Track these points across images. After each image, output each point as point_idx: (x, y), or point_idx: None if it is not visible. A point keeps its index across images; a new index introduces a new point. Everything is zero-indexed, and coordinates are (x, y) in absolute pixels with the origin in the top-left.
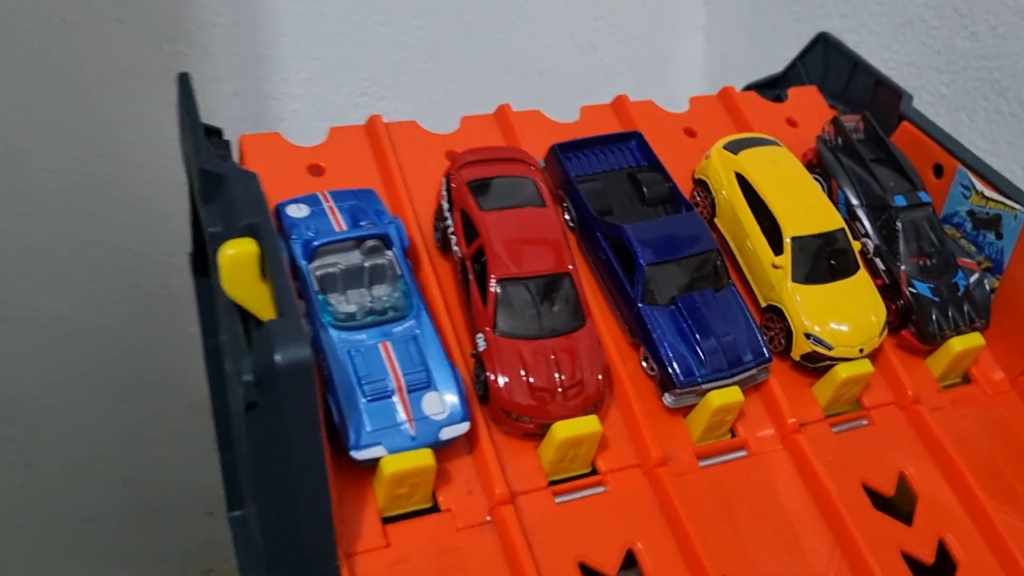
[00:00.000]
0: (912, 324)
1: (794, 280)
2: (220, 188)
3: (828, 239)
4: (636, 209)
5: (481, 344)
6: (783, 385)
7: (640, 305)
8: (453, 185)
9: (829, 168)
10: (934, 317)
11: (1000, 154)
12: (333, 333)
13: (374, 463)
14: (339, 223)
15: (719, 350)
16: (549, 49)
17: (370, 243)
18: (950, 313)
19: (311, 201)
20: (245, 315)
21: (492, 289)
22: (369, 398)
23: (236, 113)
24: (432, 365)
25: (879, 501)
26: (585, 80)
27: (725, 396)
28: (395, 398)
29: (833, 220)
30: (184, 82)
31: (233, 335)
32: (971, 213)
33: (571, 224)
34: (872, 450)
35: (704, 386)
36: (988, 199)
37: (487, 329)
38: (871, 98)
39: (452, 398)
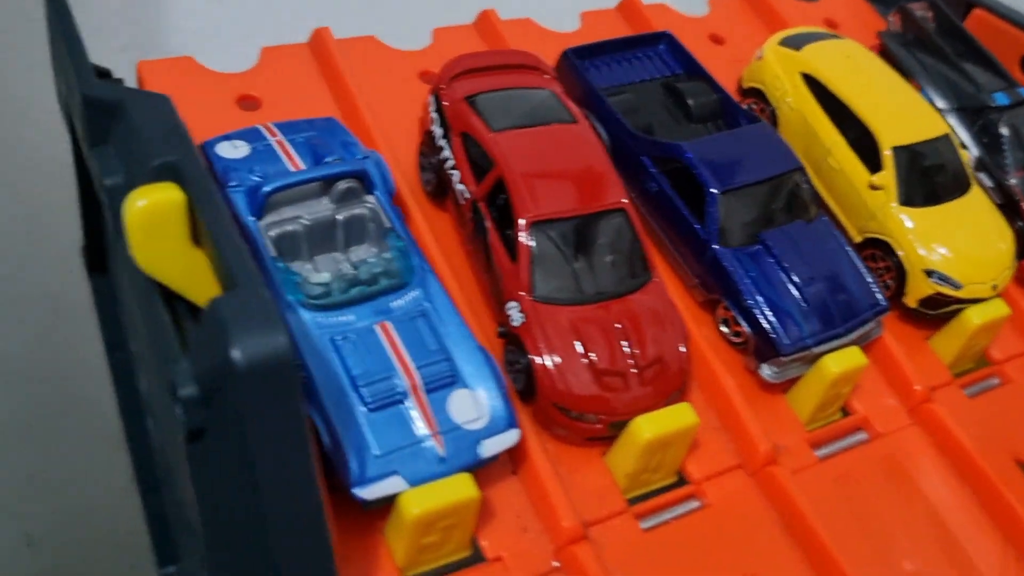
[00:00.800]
0: None
1: (901, 202)
2: (116, 123)
3: (935, 148)
4: (681, 127)
5: (516, 316)
6: (898, 342)
7: (716, 247)
8: (446, 103)
9: (905, 66)
10: None
11: None
12: (305, 316)
13: (388, 501)
14: (294, 161)
15: (828, 298)
16: None
17: (343, 185)
18: None
19: (250, 136)
20: (172, 301)
21: (524, 239)
22: (372, 406)
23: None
24: (455, 350)
25: None
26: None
27: (844, 360)
28: (409, 402)
29: (936, 124)
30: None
31: (156, 333)
32: None
33: None
34: (1016, 415)
35: (816, 349)
36: None
37: (521, 294)
38: None
39: (491, 396)
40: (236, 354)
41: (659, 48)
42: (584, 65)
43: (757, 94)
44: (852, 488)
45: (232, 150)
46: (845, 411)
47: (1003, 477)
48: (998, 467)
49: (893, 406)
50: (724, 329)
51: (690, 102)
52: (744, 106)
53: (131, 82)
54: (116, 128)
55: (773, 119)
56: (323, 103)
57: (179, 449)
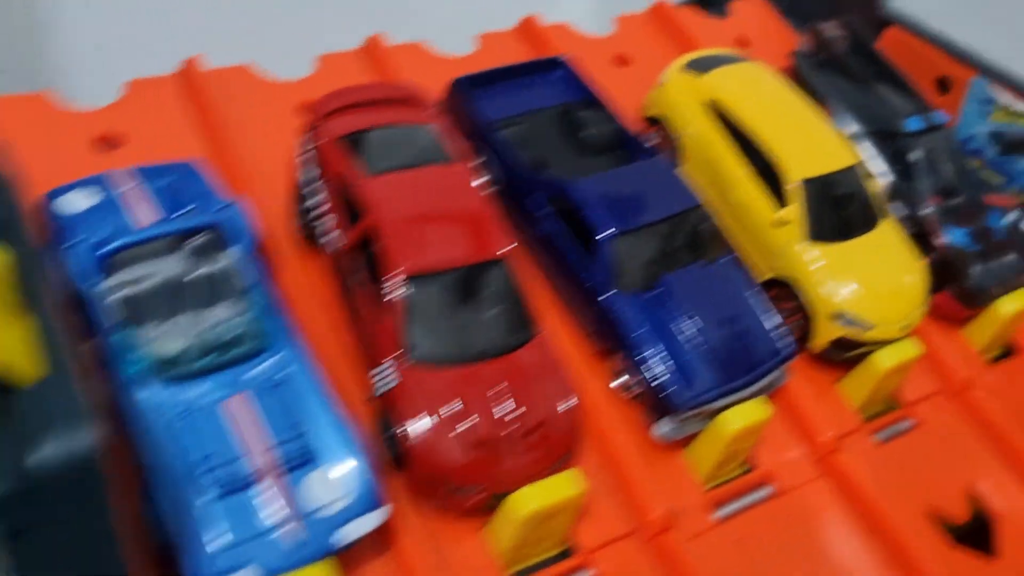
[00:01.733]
0: (950, 284)
1: (806, 240)
2: None
3: (843, 179)
4: (577, 160)
5: (387, 379)
6: (803, 386)
7: (607, 295)
8: (319, 143)
9: (816, 90)
10: (977, 272)
11: (1017, 56)
12: (149, 391)
13: None
14: (147, 213)
15: (728, 348)
16: None
17: (197, 240)
18: (992, 266)
19: (100, 184)
20: None
21: (395, 294)
22: (220, 492)
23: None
24: (315, 424)
25: (951, 531)
26: (465, 18)
27: (745, 415)
28: (262, 486)
29: (845, 155)
30: None
31: None
32: (994, 135)
33: (491, 186)
34: (929, 461)
35: (715, 404)
36: (1017, 115)
37: (392, 357)
38: (831, 6)
39: (354, 473)
40: (35, 458)
41: (555, 74)
42: (474, 95)
43: (659, 122)
44: (754, 550)
45: (77, 201)
46: (748, 466)
47: (912, 529)
48: (908, 519)
49: (799, 458)
50: (619, 382)
51: (585, 133)
52: (648, 135)
53: None
54: None
55: (676, 149)
56: (191, 141)
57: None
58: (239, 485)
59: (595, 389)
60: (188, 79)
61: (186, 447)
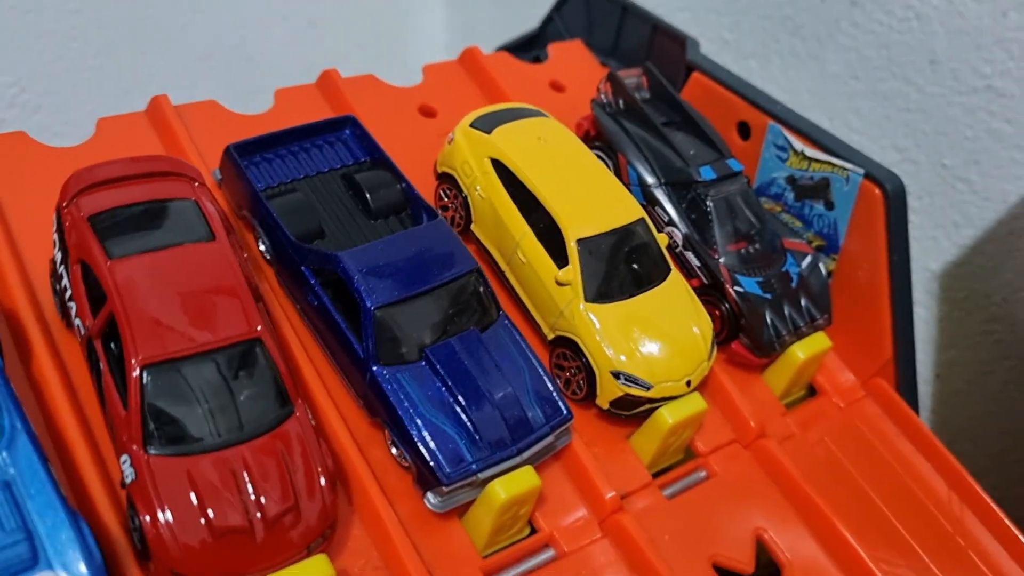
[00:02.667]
0: (743, 333)
1: (588, 299)
2: None
3: (625, 236)
4: (359, 225)
5: (128, 472)
6: (590, 445)
7: (375, 368)
8: (66, 223)
9: (613, 139)
10: (769, 320)
11: (802, 104)
12: None
13: None
14: None
15: (497, 417)
16: (255, 31)
17: None
18: (786, 312)
19: None
20: None
21: (135, 384)
22: None
23: None
24: (41, 524)
25: None
26: (305, 64)
27: (515, 484)
28: None
29: (628, 209)
30: None
31: None
32: (792, 180)
33: (266, 257)
34: (718, 512)
35: (482, 475)
36: (811, 160)
37: (134, 447)
38: (649, 49)
39: (79, 572)
40: None
41: (344, 134)
42: (249, 162)
43: (450, 179)
44: None
45: None
46: (533, 527)
47: None
48: (692, 572)
49: (583, 519)
50: (394, 451)
51: (368, 196)
52: (439, 193)
53: None
54: None
55: (466, 207)
56: None
57: None
58: None
59: (370, 459)
60: None
61: None
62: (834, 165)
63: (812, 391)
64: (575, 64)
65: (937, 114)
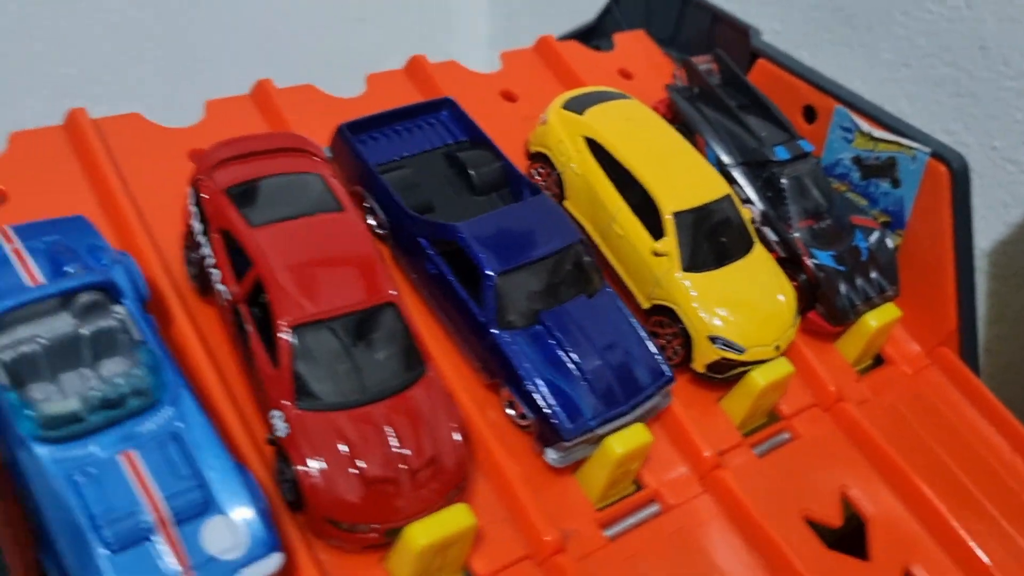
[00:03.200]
0: (819, 303)
1: (684, 268)
2: None
3: (715, 210)
4: (463, 200)
5: (279, 426)
6: (687, 408)
7: (495, 332)
8: (205, 195)
9: (691, 121)
10: (843, 291)
11: (854, 91)
12: (41, 451)
13: None
14: (31, 274)
15: (610, 376)
16: (308, 25)
17: (85, 297)
18: (858, 283)
19: None
20: None
21: (284, 344)
22: (115, 547)
23: None
24: (210, 473)
25: (826, 535)
26: (355, 58)
27: (630, 439)
28: (157, 538)
29: (717, 185)
30: None
31: None
32: (857, 160)
33: (378, 231)
34: (805, 471)
35: (599, 430)
36: (878, 140)
37: (284, 402)
38: (709, 39)
39: (249, 520)
40: None
41: (442, 115)
42: (360, 140)
43: (543, 158)
44: (644, 566)
45: None
46: (639, 484)
47: (791, 539)
48: (787, 527)
49: (684, 475)
50: (510, 412)
51: (472, 173)
52: (531, 171)
53: None
54: None
55: (559, 184)
56: (79, 193)
57: None
58: (136, 538)
59: (487, 420)
60: (74, 129)
61: (83, 503)
62: (901, 145)
63: (879, 360)
64: (640, 53)
65: (987, 98)
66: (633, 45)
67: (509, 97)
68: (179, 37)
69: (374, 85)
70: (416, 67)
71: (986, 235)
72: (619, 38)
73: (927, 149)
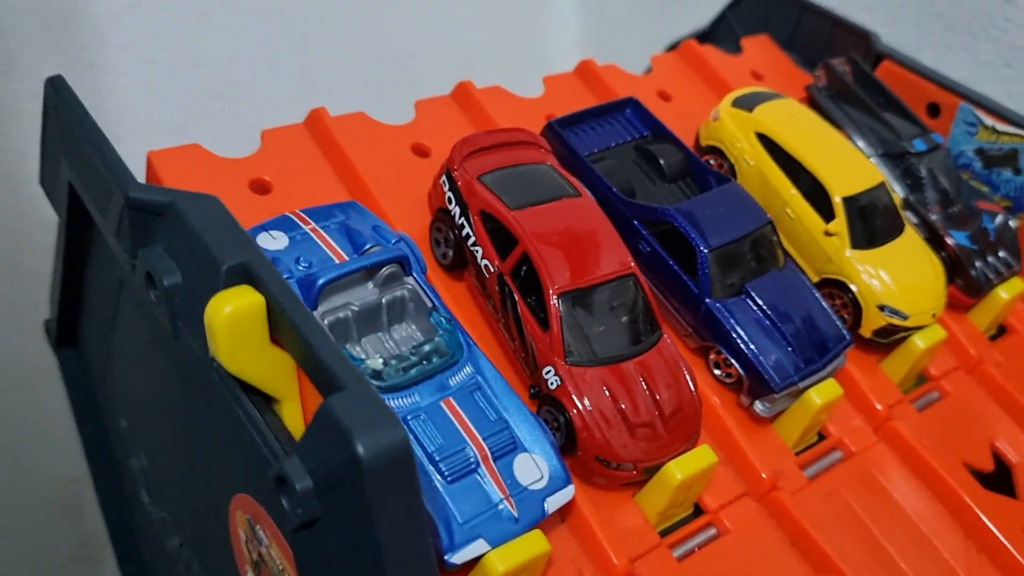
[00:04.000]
0: (959, 277)
1: (853, 246)
2: (163, 224)
3: (876, 196)
4: (657, 187)
5: (552, 380)
6: (857, 368)
7: (708, 300)
8: (460, 183)
9: (834, 118)
10: (978, 266)
11: (992, 86)
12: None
13: (471, 564)
14: (335, 250)
15: (806, 340)
16: (419, 28)
17: (386, 270)
18: (990, 260)
19: (285, 225)
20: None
21: (555, 308)
22: (450, 478)
23: None
24: (511, 418)
25: (981, 478)
26: (459, 59)
27: (825, 392)
28: (481, 471)
29: (873, 174)
30: (59, 88)
31: (240, 430)
32: (980, 151)
33: None
34: (957, 424)
35: (800, 384)
36: (1001, 133)
37: (556, 360)
38: (827, 44)
39: (547, 457)
40: (361, 450)
41: (626, 112)
42: (566, 134)
43: (716, 151)
44: (840, 502)
45: (271, 241)
46: (821, 435)
47: (958, 479)
48: (952, 471)
49: (860, 426)
50: (717, 372)
51: (662, 162)
52: (706, 161)
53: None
54: (164, 228)
55: (732, 174)
56: (330, 183)
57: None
58: (467, 471)
59: (699, 379)
60: (316, 127)
61: (419, 442)
62: (1023, 137)
63: (1001, 330)
64: (766, 56)
65: None
66: (759, 49)
67: (664, 96)
68: (310, 47)
69: (551, 86)
70: (585, 69)
71: None
72: (746, 42)
73: None
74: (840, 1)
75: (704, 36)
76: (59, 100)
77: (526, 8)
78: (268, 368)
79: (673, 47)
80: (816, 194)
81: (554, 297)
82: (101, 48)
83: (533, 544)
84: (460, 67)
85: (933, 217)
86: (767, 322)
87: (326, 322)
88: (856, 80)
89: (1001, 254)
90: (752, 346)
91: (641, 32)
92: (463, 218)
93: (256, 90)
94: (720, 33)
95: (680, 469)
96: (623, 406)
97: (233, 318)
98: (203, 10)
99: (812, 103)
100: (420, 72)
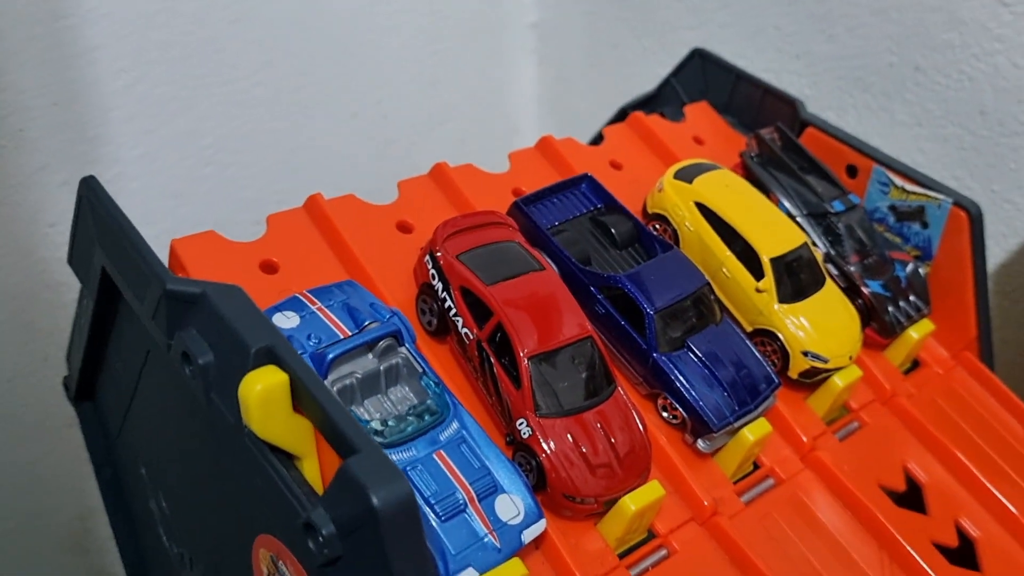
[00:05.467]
0: (873, 321)
1: (780, 301)
2: (196, 310)
3: (799, 255)
4: (610, 253)
5: (524, 430)
6: (785, 405)
7: (655, 355)
8: (443, 262)
9: (764, 183)
10: (890, 311)
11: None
12: None
13: None
14: (339, 327)
15: (740, 385)
16: (392, 90)
17: (383, 343)
18: (901, 305)
19: (295, 306)
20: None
21: (525, 369)
22: (443, 518)
23: (69, 205)
24: (492, 465)
25: (895, 497)
26: (428, 117)
27: (757, 430)
28: (469, 511)
29: (797, 235)
30: (93, 187)
31: (270, 484)
32: (892, 208)
33: None
34: (874, 450)
35: (736, 424)
36: (909, 192)
37: (528, 413)
38: (759, 109)
39: (523, 496)
40: (376, 502)
41: (582, 187)
42: (532, 211)
43: (661, 218)
44: (771, 523)
45: (286, 320)
46: (756, 465)
47: (872, 499)
48: (868, 492)
49: (789, 456)
50: (665, 415)
51: (614, 232)
52: (652, 227)
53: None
54: (196, 314)
55: (675, 238)
56: (327, 261)
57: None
58: (456, 511)
59: (647, 420)
60: (314, 210)
61: (420, 488)
62: (929, 196)
63: (916, 364)
64: (707, 121)
65: (987, 152)
66: (700, 115)
67: (616, 165)
68: (293, 112)
69: (516, 161)
70: (545, 144)
71: (990, 259)
72: (688, 109)
73: (950, 200)
74: (773, 64)
75: (651, 99)
76: (94, 198)
77: (490, 68)
78: (292, 433)
79: (623, 116)
80: (748, 256)
81: (525, 360)
82: (104, 122)
83: (513, 570)
84: (431, 122)
85: (851, 268)
86: (706, 371)
87: (335, 388)
88: (783, 147)
89: (912, 299)
90: (693, 393)
91: (595, 89)
92: (445, 292)
93: (244, 156)
94: (665, 97)
95: (634, 501)
96: (584, 450)
97: (264, 394)
98: (192, 84)
99: (745, 169)
100: (394, 130)
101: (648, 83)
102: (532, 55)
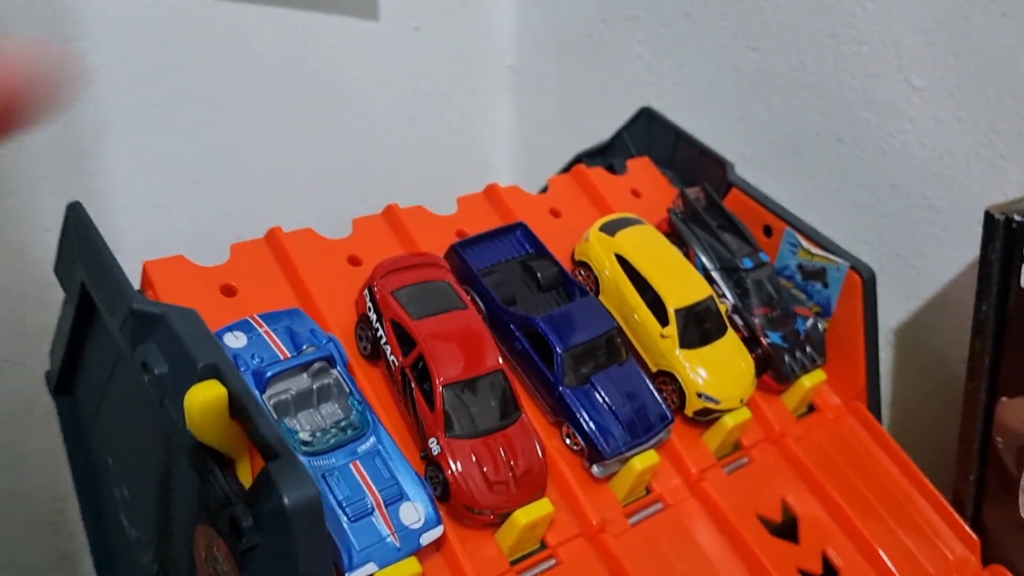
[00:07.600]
0: (771, 368)
1: (681, 347)
2: (156, 327)
3: (703, 306)
4: (534, 296)
5: (435, 447)
6: (680, 439)
7: (561, 388)
8: (378, 296)
9: (685, 238)
10: (787, 361)
11: (799, 207)
12: (303, 460)
13: None
14: (281, 349)
15: (634, 419)
16: (375, 123)
17: (317, 365)
18: (797, 355)
19: (245, 328)
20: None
21: (440, 395)
22: (352, 518)
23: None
24: (400, 476)
25: (771, 527)
26: (408, 149)
27: (645, 460)
28: (375, 515)
29: (704, 289)
30: (77, 212)
31: (207, 480)
32: (800, 267)
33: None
34: (757, 484)
35: (627, 454)
36: (813, 255)
37: (439, 433)
38: (696, 166)
39: (425, 505)
40: (287, 501)
41: (517, 233)
42: (467, 253)
43: (585, 265)
44: (654, 544)
45: (234, 340)
46: (648, 490)
47: (747, 528)
48: (744, 521)
49: (678, 485)
50: (567, 441)
51: (539, 276)
52: (576, 273)
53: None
54: (157, 330)
55: (596, 283)
56: (282, 288)
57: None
58: (364, 514)
59: (552, 445)
60: (273, 242)
61: (335, 492)
62: (829, 259)
63: (811, 408)
64: (646, 175)
65: (896, 221)
66: (641, 170)
67: (555, 213)
68: (280, 138)
69: (463, 205)
70: (492, 192)
71: (892, 317)
72: (631, 163)
73: (846, 264)
74: (716, 123)
75: (604, 149)
76: (79, 221)
77: (467, 104)
78: (228, 439)
79: (577, 162)
80: (656, 304)
81: (440, 386)
82: (99, 138)
83: (409, 567)
84: (412, 156)
85: (756, 320)
86: (605, 406)
87: (272, 402)
88: (706, 206)
89: (808, 350)
90: (591, 424)
91: (565, 130)
92: (379, 323)
93: (226, 176)
94: (616, 148)
95: (524, 515)
96: (485, 468)
97: (204, 405)
98: (187, 107)
99: (670, 224)
100: (375, 161)
101: (607, 131)
102: (509, 94)
